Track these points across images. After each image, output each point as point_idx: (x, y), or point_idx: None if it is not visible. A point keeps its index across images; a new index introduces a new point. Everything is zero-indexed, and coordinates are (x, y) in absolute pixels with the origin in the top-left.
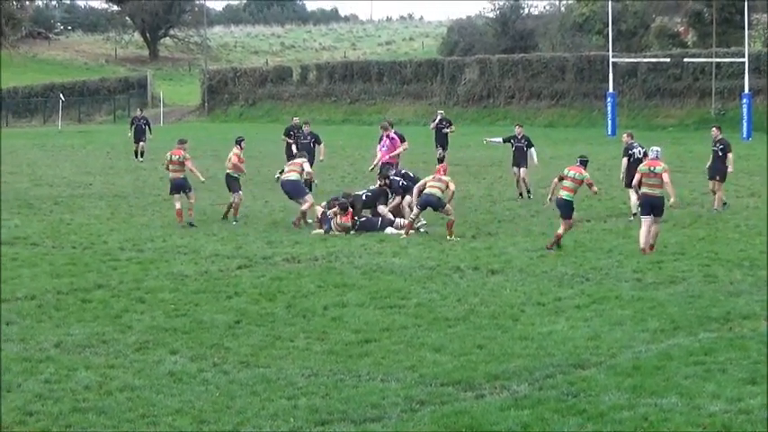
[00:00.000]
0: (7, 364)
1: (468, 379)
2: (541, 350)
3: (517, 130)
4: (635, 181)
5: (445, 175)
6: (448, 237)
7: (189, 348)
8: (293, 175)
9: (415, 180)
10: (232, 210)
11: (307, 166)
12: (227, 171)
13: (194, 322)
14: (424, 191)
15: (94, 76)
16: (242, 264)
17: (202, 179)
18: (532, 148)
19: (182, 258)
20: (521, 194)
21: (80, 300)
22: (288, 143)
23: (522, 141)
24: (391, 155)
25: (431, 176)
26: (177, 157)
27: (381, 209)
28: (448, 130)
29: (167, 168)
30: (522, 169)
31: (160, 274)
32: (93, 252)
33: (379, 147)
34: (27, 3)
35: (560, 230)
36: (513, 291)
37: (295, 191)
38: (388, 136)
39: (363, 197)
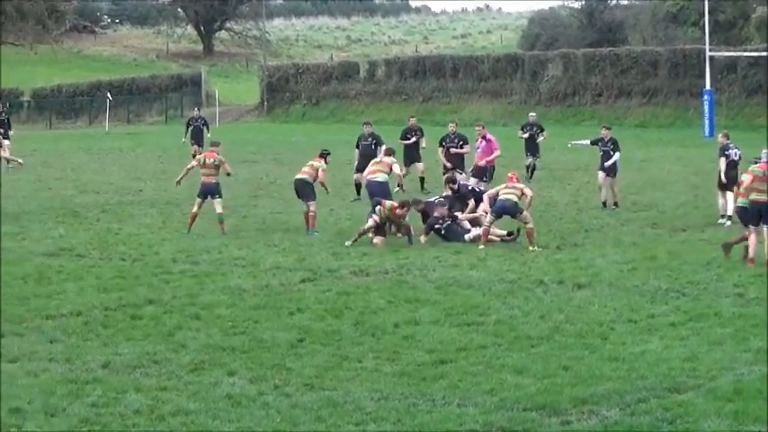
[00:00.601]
0: (52, 387)
1: (553, 403)
2: (633, 372)
3: (603, 132)
4: (745, 183)
5: (518, 182)
6: (530, 247)
7: (248, 369)
8: (381, 176)
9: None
10: (309, 219)
11: (396, 168)
12: (303, 177)
13: (254, 341)
14: (498, 197)
15: (144, 73)
16: (305, 277)
17: (229, 170)
18: (617, 153)
19: (240, 271)
20: (604, 203)
21: (129, 316)
22: (406, 145)
23: (609, 145)
24: (489, 159)
25: (503, 184)
26: (212, 160)
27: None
28: (541, 138)
29: (188, 170)
30: (608, 178)
31: (216, 288)
32: (144, 264)
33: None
34: None
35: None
36: (602, 307)
37: (382, 194)
38: (484, 137)
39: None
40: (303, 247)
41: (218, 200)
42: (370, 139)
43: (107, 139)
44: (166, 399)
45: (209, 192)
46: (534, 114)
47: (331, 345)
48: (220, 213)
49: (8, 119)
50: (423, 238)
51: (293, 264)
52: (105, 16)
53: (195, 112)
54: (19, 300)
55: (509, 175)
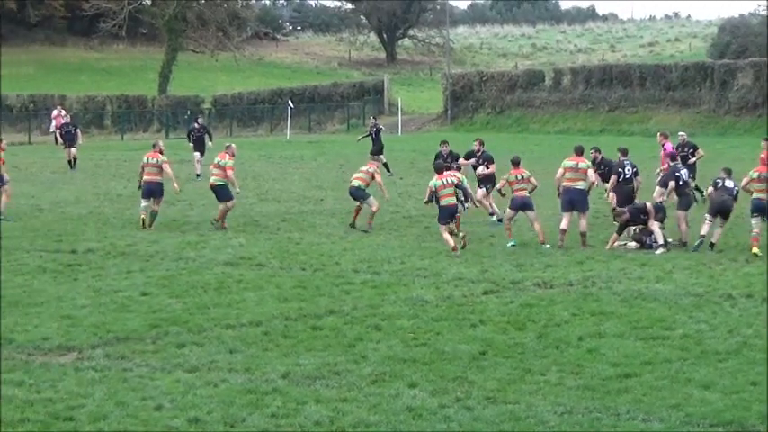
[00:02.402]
0: (231, 397)
1: (741, 419)
2: None
3: (764, 144)
4: None
5: None
6: (755, 250)
7: (429, 381)
8: (582, 184)
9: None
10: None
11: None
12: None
13: (435, 353)
14: (753, 195)
15: (326, 81)
16: (488, 289)
17: (387, 196)
18: None
19: (421, 282)
20: None
21: (310, 326)
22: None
23: None
24: (661, 168)
25: (755, 172)
26: (367, 167)
27: (653, 225)
28: (694, 159)
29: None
30: None
31: (398, 299)
32: (325, 274)
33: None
34: (253, 1)
35: None
36: None
37: (583, 201)
38: (663, 146)
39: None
40: (486, 258)
41: (369, 199)
42: (449, 159)
43: (288, 148)
44: (347, 410)
45: (355, 197)
46: (684, 133)
47: (514, 357)
48: (373, 211)
49: (207, 133)
50: (614, 244)
51: (476, 275)
52: (287, 23)
53: (372, 120)
54: (199, 309)
55: (761, 156)
